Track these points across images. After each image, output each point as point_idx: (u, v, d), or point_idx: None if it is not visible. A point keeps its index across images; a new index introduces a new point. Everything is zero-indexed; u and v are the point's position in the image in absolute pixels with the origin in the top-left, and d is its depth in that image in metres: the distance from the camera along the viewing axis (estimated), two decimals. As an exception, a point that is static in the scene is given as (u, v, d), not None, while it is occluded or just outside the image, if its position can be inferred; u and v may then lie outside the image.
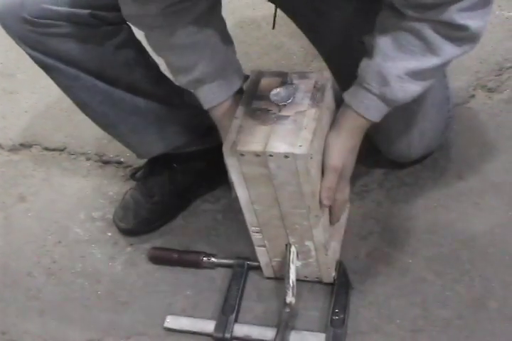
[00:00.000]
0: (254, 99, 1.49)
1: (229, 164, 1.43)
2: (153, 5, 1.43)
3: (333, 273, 1.66)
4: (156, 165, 1.90)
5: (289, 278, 1.57)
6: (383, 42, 1.40)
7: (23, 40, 1.57)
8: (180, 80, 1.59)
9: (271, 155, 1.38)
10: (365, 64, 1.45)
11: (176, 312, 1.69)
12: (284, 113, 1.45)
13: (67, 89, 1.69)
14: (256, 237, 1.60)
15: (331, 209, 1.56)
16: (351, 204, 1.81)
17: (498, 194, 1.80)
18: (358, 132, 1.49)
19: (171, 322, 1.67)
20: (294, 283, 1.57)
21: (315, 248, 1.58)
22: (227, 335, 1.60)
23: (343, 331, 1.58)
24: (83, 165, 2.08)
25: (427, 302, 1.63)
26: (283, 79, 1.51)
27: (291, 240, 1.58)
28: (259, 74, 1.54)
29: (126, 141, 1.83)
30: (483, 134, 1.93)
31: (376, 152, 1.85)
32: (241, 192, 1.49)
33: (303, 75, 1.52)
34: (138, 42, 1.69)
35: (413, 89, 1.43)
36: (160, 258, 1.81)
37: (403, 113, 1.67)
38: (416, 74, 1.40)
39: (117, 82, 1.67)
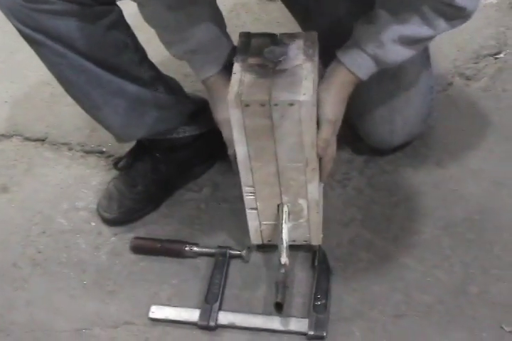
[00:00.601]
0: (248, 56, 1.52)
1: (232, 116, 1.45)
2: None
3: (321, 235, 1.69)
4: (139, 155, 1.91)
5: (282, 238, 1.60)
6: (384, 13, 1.48)
7: (14, 14, 1.55)
8: (174, 51, 1.62)
9: (276, 104, 1.42)
10: (363, 27, 1.53)
11: (161, 302, 1.71)
12: (281, 67, 1.49)
13: (53, 66, 1.66)
14: (248, 198, 1.62)
15: (320, 164, 1.59)
16: (332, 192, 1.84)
17: (476, 181, 1.84)
18: (347, 87, 1.57)
19: (156, 312, 1.68)
20: (287, 244, 1.59)
21: (308, 206, 1.62)
22: (212, 323, 1.63)
23: (326, 316, 1.61)
24: (65, 155, 2.07)
25: (409, 288, 1.66)
26: (272, 39, 1.56)
27: (284, 199, 1.61)
28: (249, 36, 1.58)
29: (108, 124, 1.80)
30: (461, 122, 1.96)
31: (357, 139, 1.88)
32: (240, 148, 1.51)
33: (291, 35, 1.57)
34: (127, 26, 1.69)
35: (403, 53, 1.54)
36: (143, 248, 1.82)
37: (388, 99, 1.73)
38: (409, 41, 1.50)
39: (104, 63, 1.66)
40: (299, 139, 1.48)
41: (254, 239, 1.72)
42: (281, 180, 1.57)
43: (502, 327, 1.58)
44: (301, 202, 1.61)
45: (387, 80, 1.75)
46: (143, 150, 1.90)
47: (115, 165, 1.94)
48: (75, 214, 1.93)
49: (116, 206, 1.90)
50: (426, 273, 1.68)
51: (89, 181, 2.00)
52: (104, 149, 2.05)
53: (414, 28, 1.47)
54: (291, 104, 1.42)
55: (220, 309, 1.65)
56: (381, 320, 1.62)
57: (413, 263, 1.70)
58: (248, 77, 1.48)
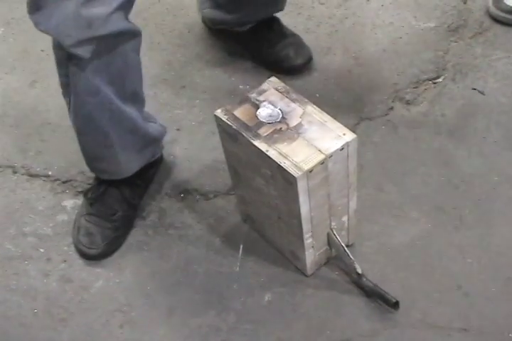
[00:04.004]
0: (255, 131, 1.53)
1: (300, 187, 1.48)
2: None
3: (355, 232, 1.82)
4: (114, 182, 1.91)
5: (348, 254, 1.71)
6: None
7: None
8: None
9: (331, 156, 1.48)
10: None
11: (113, 329, 1.73)
12: (293, 123, 1.53)
13: (81, 106, 1.66)
14: (308, 242, 1.68)
15: None
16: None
17: (417, 206, 1.90)
18: None
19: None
20: (353, 258, 1.72)
21: (348, 218, 1.72)
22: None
23: None
24: (10, 179, 2.06)
25: (355, 313, 1.72)
26: (249, 102, 1.57)
27: (332, 224, 1.69)
28: (228, 110, 1.57)
29: (114, 160, 1.82)
30: (401, 147, 2.01)
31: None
32: (305, 208, 1.56)
33: (260, 90, 1.59)
34: None
35: None
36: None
37: None
38: None
39: (127, 92, 1.68)
40: (345, 172, 1.56)
41: (310, 270, 1.78)
42: (331, 211, 1.64)
43: (444, 350, 1.65)
44: (344, 218, 1.71)
45: None
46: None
47: (85, 195, 1.93)
48: (23, 240, 1.93)
49: (100, 239, 1.88)
50: (370, 300, 1.74)
51: (35, 206, 1.99)
52: (49, 173, 2.04)
53: None
54: (342, 149, 1.48)
55: None
56: (328, 345, 1.68)
57: (357, 290, 1.75)
58: (282, 146, 1.49)
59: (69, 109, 1.70)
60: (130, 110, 1.72)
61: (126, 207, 1.91)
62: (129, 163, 1.85)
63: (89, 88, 1.60)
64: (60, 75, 1.65)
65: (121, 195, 1.91)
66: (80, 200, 1.97)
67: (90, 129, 1.72)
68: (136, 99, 1.75)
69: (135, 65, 1.67)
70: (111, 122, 1.69)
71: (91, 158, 1.85)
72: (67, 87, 1.65)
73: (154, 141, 1.90)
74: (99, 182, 1.92)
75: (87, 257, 1.88)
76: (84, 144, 1.80)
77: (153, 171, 1.99)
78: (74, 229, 1.91)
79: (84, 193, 1.95)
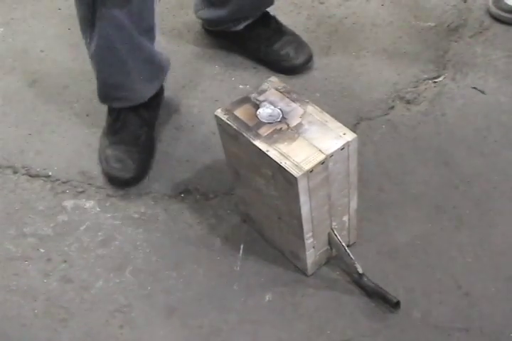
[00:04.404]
0: (255, 130, 1.53)
1: (300, 187, 1.48)
2: None
3: (356, 232, 1.82)
4: (127, 111, 2.04)
5: (349, 254, 1.71)
6: None
7: None
8: None
9: (332, 156, 1.48)
10: None
11: (113, 329, 1.73)
12: (293, 122, 1.53)
13: (106, 37, 1.82)
14: (308, 242, 1.68)
15: None
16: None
17: (417, 206, 1.90)
18: None
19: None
20: (354, 257, 1.71)
21: (349, 218, 1.72)
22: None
23: None
24: (10, 179, 2.06)
25: (355, 313, 1.72)
26: (249, 102, 1.57)
27: (333, 224, 1.69)
28: (228, 110, 1.58)
29: (130, 87, 1.98)
30: (402, 146, 2.01)
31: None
32: (305, 208, 1.56)
33: (260, 90, 1.59)
34: None
35: None
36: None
37: None
38: None
39: (143, 26, 1.84)
40: (346, 172, 1.56)
41: (311, 270, 1.78)
42: (332, 211, 1.64)
43: (444, 350, 1.65)
44: (345, 218, 1.71)
45: None
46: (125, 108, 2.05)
47: (107, 129, 2.06)
48: (23, 240, 1.92)
49: (131, 163, 2.00)
50: (371, 299, 1.74)
51: (35, 206, 1.99)
52: (50, 173, 2.04)
53: None
54: (342, 149, 1.48)
55: None
56: (330, 345, 1.68)
57: (358, 290, 1.75)
58: (281, 147, 1.49)
59: (89, 42, 1.86)
60: (145, 42, 1.89)
61: (146, 128, 2.06)
62: (144, 89, 2.00)
63: (114, 22, 1.77)
64: (82, 10, 1.80)
65: (141, 118, 2.05)
66: (80, 201, 1.98)
67: (111, 59, 1.89)
68: (151, 33, 1.89)
69: (150, 2, 1.82)
70: (129, 52, 1.87)
71: (110, 88, 2.00)
72: (88, 21, 1.80)
73: (163, 70, 2.04)
74: (117, 112, 2.05)
75: (122, 182, 2.01)
76: (104, 75, 1.95)
77: (161, 92, 2.11)
78: (101, 161, 2.04)
79: (105, 129, 2.07)
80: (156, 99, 2.09)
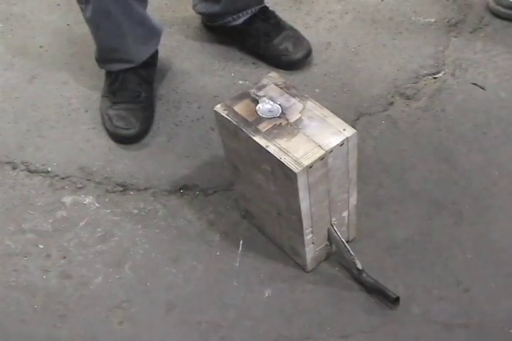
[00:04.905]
0: (254, 126, 1.52)
1: (300, 183, 1.48)
2: None
3: (355, 228, 1.82)
4: (125, 71, 2.11)
5: (348, 250, 1.71)
6: None
7: None
8: None
9: (331, 151, 1.48)
10: None
11: (113, 325, 1.73)
12: (292, 118, 1.52)
13: (100, 1, 1.91)
14: (308, 238, 1.68)
15: None
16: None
17: (417, 202, 1.89)
18: None
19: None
20: (353, 253, 1.72)
21: (348, 214, 1.72)
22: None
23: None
24: (9, 175, 2.05)
25: (354, 309, 1.72)
26: (249, 97, 1.57)
27: (333, 220, 1.69)
28: (227, 106, 1.57)
29: (126, 49, 2.06)
30: (401, 142, 2.01)
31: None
32: (305, 204, 1.56)
33: (260, 85, 1.59)
34: None
35: None
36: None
37: None
38: None
39: None
40: (346, 168, 1.56)
41: (311, 266, 1.78)
42: (331, 206, 1.64)
43: (444, 347, 1.65)
44: (344, 214, 1.71)
45: None
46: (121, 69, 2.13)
47: (106, 90, 2.14)
48: (23, 236, 1.92)
49: (134, 119, 2.09)
50: (371, 295, 1.73)
51: (35, 202, 1.98)
52: (49, 169, 2.04)
53: None
54: (342, 144, 1.48)
55: None
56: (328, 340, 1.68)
57: (357, 286, 1.75)
58: (281, 142, 1.49)
59: (85, 8, 1.95)
60: (138, 7, 2.00)
61: (145, 86, 2.14)
62: (139, 51, 2.10)
63: None
64: None
65: (139, 76, 2.12)
66: (79, 196, 1.97)
67: (106, 23, 1.98)
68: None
69: None
70: (124, 15, 1.96)
71: (107, 51, 2.09)
72: None
73: (157, 33, 2.12)
74: (115, 73, 2.13)
75: (127, 139, 2.09)
76: (100, 38, 2.06)
77: (156, 52, 2.18)
78: (105, 120, 2.12)
79: (104, 91, 2.15)
80: (152, 58, 2.16)
